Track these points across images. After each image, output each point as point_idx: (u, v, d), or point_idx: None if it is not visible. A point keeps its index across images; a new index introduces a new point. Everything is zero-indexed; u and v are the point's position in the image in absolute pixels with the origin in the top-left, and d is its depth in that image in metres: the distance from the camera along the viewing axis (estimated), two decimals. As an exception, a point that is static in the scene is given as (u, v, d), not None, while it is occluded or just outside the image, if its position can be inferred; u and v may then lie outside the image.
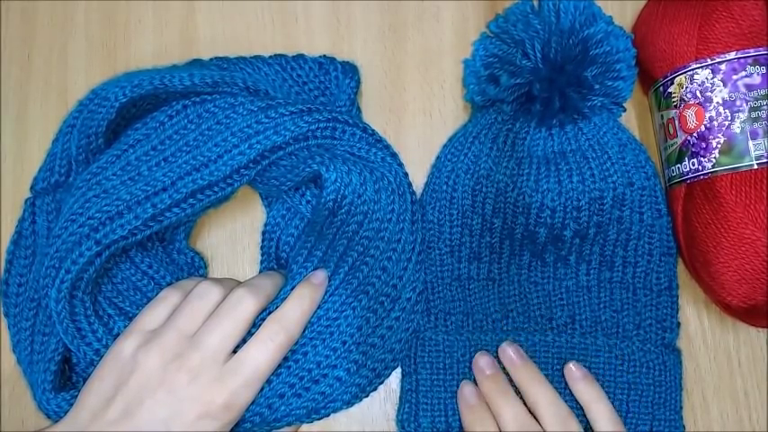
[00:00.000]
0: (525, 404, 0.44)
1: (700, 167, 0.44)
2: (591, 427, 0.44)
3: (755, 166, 0.43)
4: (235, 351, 0.40)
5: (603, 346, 0.46)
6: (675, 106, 0.46)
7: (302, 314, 0.41)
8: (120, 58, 0.53)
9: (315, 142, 0.45)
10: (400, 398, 0.47)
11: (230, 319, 0.40)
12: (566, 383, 0.45)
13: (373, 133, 0.46)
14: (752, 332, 0.49)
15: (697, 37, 0.44)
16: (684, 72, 0.45)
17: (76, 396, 0.41)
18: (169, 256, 0.47)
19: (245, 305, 0.41)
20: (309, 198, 0.47)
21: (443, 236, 0.48)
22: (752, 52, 0.43)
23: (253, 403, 0.41)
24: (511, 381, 0.45)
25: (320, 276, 0.43)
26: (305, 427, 0.46)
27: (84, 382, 0.41)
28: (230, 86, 0.45)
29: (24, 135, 0.52)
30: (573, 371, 0.45)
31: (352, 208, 0.44)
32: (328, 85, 0.49)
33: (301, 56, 0.50)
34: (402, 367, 0.47)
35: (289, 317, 0.41)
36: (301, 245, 0.45)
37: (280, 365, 0.41)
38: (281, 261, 0.48)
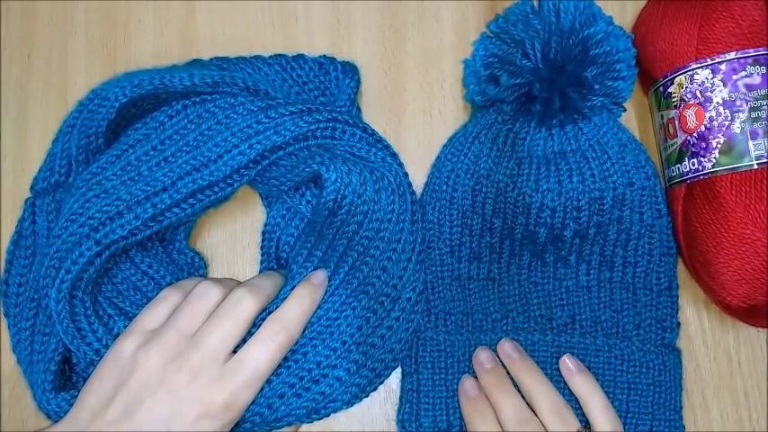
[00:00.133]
0: (524, 399, 0.44)
1: (700, 167, 0.44)
2: (589, 423, 0.44)
3: (755, 166, 0.43)
4: (235, 351, 0.40)
5: (603, 346, 0.46)
6: (675, 106, 0.46)
7: (302, 314, 0.41)
8: (120, 58, 0.53)
9: (315, 142, 0.45)
10: (400, 398, 0.47)
11: (230, 319, 0.40)
12: (564, 381, 0.45)
13: (373, 133, 0.46)
14: (752, 332, 0.49)
15: (697, 37, 0.44)
16: (684, 72, 0.45)
17: (76, 396, 0.41)
18: (169, 256, 0.47)
19: (245, 305, 0.41)
20: (309, 198, 0.47)
21: (443, 236, 0.48)
22: (752, 52, 0.43)
23: (253, 403, 0.41)
24: (511, 378, 0.45)
25: (320, 276, 0.43)
26: (305, 427, 0.46)
27: (84, 382, 0.41)
28: (230, 86, 0.45)
29: (24, 135, 0.52)
30: (568, 364, 0.45)
31: (352, 208, 0.44)
32: (328, 85, 0.49)
33: (301, 56, 0.50)
34: (402, 367, 0.47)
35: (289, 317, 0.41)
36: (301, 245, 0.45)
37: (280, 365, 0.41)
38: (281, 261, 0.48)
